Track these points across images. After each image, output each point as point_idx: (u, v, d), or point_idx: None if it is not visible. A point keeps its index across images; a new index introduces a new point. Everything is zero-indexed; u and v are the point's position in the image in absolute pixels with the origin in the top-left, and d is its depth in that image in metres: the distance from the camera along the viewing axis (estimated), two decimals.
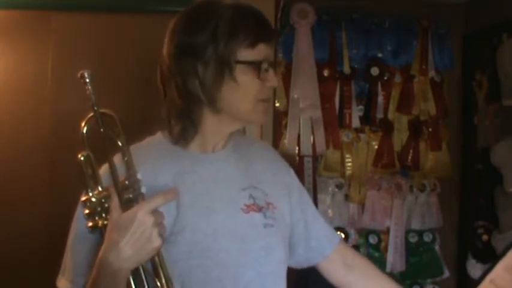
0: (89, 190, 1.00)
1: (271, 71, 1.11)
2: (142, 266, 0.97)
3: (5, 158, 2.54)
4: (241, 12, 1.09)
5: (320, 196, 2.65)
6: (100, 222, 0.98)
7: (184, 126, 1.10)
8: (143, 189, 0.97)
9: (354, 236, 2.68)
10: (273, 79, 1.11)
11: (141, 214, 0.93)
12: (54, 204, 2.45)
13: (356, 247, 2.60)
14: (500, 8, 2.53)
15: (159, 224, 0.95)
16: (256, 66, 1.08)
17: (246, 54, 1.07)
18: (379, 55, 2.72)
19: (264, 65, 1.09)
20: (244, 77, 1.08)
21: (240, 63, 1.07)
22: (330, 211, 2.65)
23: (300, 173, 2.59)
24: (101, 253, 0.95)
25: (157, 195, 0.96)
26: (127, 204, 0.95)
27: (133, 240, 0.92)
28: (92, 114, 1.00)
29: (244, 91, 1.09)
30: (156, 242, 0.94)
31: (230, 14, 1.08)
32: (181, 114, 1.10)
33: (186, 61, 1.07)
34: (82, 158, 1.01)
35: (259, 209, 1.14)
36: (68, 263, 1.10)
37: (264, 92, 1.11)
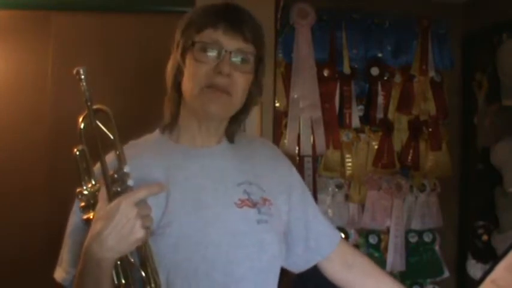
0: (83, 184, 1.03)
1: (225, 59, 1.08)
2: (127, 257, 0.99)
3: (5, 157, 2.54)
4: (207, 5, 1.14)
5: (320, 196, 2.65)
6: (92, 214, 1.00)
7: (167, 117, 1.16)
8: (130, 182, 0.98)
9: (354, 236, 2.68)
10: (223, 66, 1.08)
11: (124, 205, 0.94)
12: (53, 203, 2.44)
13: (356, 247, 2.60)
14: (500, 8, 2.54)
15: (144, 216, 0.96)
16: (192, 46, 1.10)
17: (193, 37, 1.11)
18: (379, 55, 2.72)
19: (200, 45, 1.09)
20: (188, 61, 1.11)
21: (185, 46, 1.11)
22: (330, 211, 2.65)
23: (300, 173, 2.57)
24: (85, 243, 0.96)
25: (142, 187, 0.97)
26: (114, 197, 0.97)
27: (116, 230, 0.93)
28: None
29: (188, 75, 1.11)
30: (139, 233, 0.94)
31: (202, 8, 1.14)
32: (167, 106, 1.17)
33: (176, 55, 1.14)
34: (77, 152, 1.04)
35: (254, 205, 1.14)
36: (64, 255, 1.12)
37: (214, 78, 1.09)
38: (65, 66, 2.53)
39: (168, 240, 1.05)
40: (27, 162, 2.56)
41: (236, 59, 1.10)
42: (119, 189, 0.98)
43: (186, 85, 1.12)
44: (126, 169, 0.98)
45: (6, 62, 2.60)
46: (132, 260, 0.99)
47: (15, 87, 2.59)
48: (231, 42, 1.10)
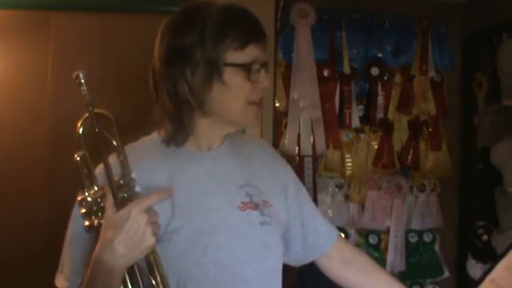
0: (85, 190, 1.00)
1: (262, 72, 1.09)
2: (137, 264, 0.98)
3: (5, 157, 2.55)
4: (230, 13, 1.08)
5: (320, 196, 2.65)
6: (96, 221, 0.99)
7: (175, 129, 1.10)
8: (137, 188, 0.98)
9: (354, 236, 2.68)
10: (264, 80, 1.09)
11: (135, 212, 0.93)
12: (53, 203, 2.45)
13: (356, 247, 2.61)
14: (500, 8, 2.53)
15: (153, 223, 0.96)
16: (246, 68, 1.06)
17: (235, 56, 1.05)
18: (379, 55, 2.72)
19: (255, 67, 1.07)
20: (234, 80, 1.06)
21: (229, 65, 1.05)
22: (330, 211, 2.65)
23: (300, 173, 2.59)
24: (95, 251, 0.95)
25: (152, 194, 0.97)
26: (122, 203, 0.96)
27: (127, 238, 0.93)
28: (87, 114, 1.01)
29: (234, 94, 1.07)
30: (150, 240, 0.95)
31: (218, 16, 1.06)
32: (172, 118, 1.09)
33: (175, 65, 1.06)
34: (78, 158, 1.01)
35: (256, 207, 1.14)
36: (65, 262, 1.11)
37: (255, 93, 1.09)
38: (65, 66, 2.54)
39: (177, 246, 1.05)
40: (27, 162, 2.56)
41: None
42: (125, 195, 0.97)
43: (226, 101, 1.07)
44: (133, 175, 0.98)
45: (6, 62, 2.60)
46: (141, 267, 0.99)
47: (15, 87, 2.60)
48: (263, 54, 1.09)
